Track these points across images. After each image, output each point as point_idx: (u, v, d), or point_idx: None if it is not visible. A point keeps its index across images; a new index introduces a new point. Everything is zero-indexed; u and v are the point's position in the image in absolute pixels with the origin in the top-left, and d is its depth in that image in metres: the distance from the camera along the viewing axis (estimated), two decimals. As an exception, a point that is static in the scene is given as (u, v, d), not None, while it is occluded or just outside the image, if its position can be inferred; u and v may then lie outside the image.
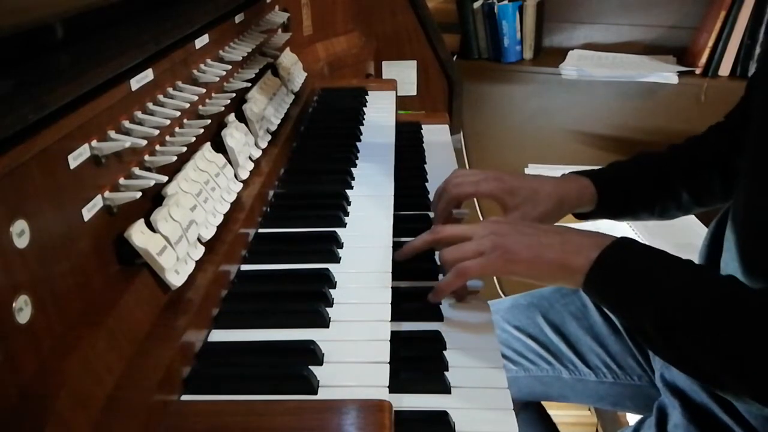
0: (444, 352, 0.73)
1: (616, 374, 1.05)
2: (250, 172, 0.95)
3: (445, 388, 0.68)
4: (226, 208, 0.82)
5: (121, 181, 0.66)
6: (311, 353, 0.67)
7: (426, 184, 1.16)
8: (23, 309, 0.49)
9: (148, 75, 0.72)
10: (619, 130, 2.17)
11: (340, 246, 0.88)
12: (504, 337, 1.10)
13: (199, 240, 0.74)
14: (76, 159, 0.58)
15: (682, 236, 1.76)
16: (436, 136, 1.41)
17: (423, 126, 1.44)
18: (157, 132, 0.70)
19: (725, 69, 2.04)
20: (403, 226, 0.96)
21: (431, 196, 1.08)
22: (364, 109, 1.42)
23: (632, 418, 1.30)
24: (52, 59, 0.63)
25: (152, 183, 0.67)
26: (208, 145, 0.85)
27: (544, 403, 1.20)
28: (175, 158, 0.73)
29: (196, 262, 0.71)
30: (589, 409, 1.85)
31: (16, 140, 0.50)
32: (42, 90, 0.53)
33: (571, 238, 0.75)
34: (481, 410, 0.66)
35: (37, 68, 0.59)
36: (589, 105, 2.18)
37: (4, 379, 0.47)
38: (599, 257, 0.71)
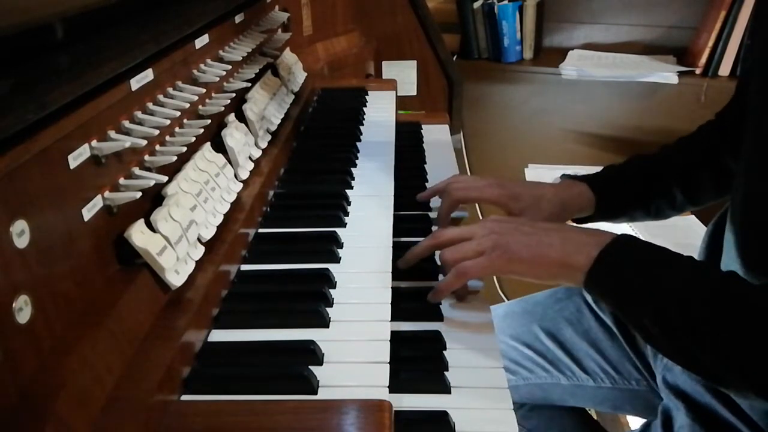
0: (444, 352, 0.73)
1: (613, 379, 1.05)
2: (250, 172, 0.95)
3: (445, 388, 0.68)
4: (226, 208, 0.82)
5: (121, 181, 0.66)
6: (311, 353, 0.67)
7: (426, 184, 1.16)
8: (23, 309, 0.49)
9: (148, 75, 0.72)
10: (619, 130, 2.17)
11: (340, 246, 0.88)
12: (501, 347, 1.09)
13: (199, 240, 0.74)
14: (76, 159, 0.58)
15: (682, 236, 1.76)
16: (436, 136, 1.41)
17: (423, 126, 1.44)
18: (157, 132, 0.70)
19: (725, 69, 2.04)
20: (403, 226, 0.96)
21: (431, 197, 1.09)
22: (364, 109, 1.42)
23: (632, 419, 1.30)
24: (52, 59, 0.62)
25: (152, 183, 0.67)
26: (208, 145, 0.85)
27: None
28: (175, 158, 0.73)
29: (196, 262, 0.71)
30: (589, 410, 1.84)
31: (16, 140, 0.50)
32: (42, 90, 0.53)
33: (571, 236, 0.75)
34: (481, 410, 0.66)
35: (37, 68, 0.59)
36: (589, 105, 2.18)
37: (4, 379, 0.47)
38: (600, 255, 0.71)
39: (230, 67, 0.96)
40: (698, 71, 2.06)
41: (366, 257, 0.86)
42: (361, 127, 1.31)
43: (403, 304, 0.79)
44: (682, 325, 0.65)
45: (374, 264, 0.84)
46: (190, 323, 0.66)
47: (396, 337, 0.71)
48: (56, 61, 0.62)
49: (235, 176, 0.89)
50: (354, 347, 0.69)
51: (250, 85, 1.06)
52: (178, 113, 0.76)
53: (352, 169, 1.11)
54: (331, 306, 0.76)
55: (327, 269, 0.81)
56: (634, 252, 0.72)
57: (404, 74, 1.98)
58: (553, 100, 2.20)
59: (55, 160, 0.56)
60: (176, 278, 0.67)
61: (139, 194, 0.65)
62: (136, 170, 0.68)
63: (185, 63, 0.85)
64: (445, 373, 0.70)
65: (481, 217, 2.15)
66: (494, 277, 2.15)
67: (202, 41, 0.90)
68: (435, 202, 1.06)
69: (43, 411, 0.48)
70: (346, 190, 1.03)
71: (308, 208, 0.99)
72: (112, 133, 0.65)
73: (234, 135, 0.92)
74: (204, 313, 0.70)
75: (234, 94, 0.96)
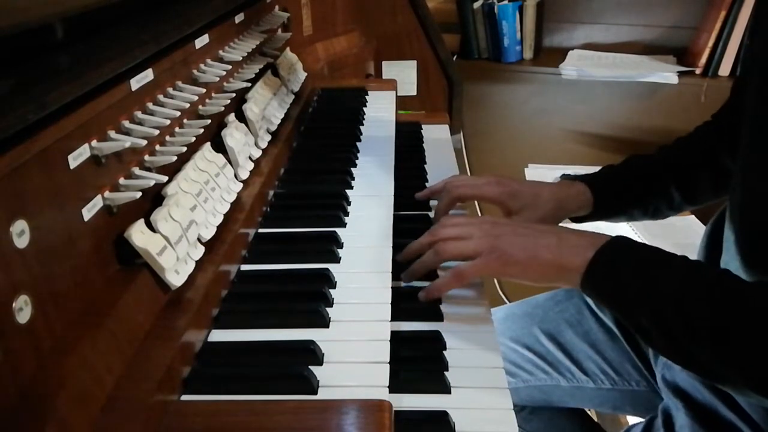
0: (444, 352, 0.73)
1: (613, 380, 1.05)
2: (250, 172, 0.95)
3: (445, 388, 0.68)
4: (226, 208, 0.82)
5: (121, 181, 0.66)
6: (311, 353, 0.67)
7: (426, 184, 1.16)
8: (23, 309, 0.49)
9: (148, 75, 0.72)
10: (619, 130, 2.17)
11: (340, 246, 0.88)
12: (500, 350, 1.09)
13: (199, 240, 0.74)
14: (76, 159, 0.58)
15: (682, 236, 1.76)
16: (436, 136, 1.41)
17: (423, 126, 1.44)
18: (157, 132, 0.70)
19: (725, 69, 2.04)
20: (403, 226, 0.96)
21: (431, 197, 1.09)
22: (364, 109, 1.42)
23: (633, 420, 1.30)
24: (52, 59, 0.62)
25: (152, 183, 0.67)
26: (208, 145, 0.85)
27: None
28: (175, 158, 0.73)
29: (196, 262, 0.71)
30: (589, 410, 1.84)
31: (16, 140, 0.50)
32: (42, 90, 0.53)
33: (567, 238, 0.75)
34: (481, 410, 0.66)
35: (37, 68, 0.59)
36: (589, 105, 2.18)
37: (4, 379, 0.47)
38: (595, 256, 0.72)
39: (230, 67, 0.96)
40: (698, 71, 2.06)
41: (366, 257, 0.86)
42: (361, 127, 1.31)
43: (403, 304, 0.79)
44: (679, 324, 0.65)
45: (374, 264, 0.84)
46: (190, 323, 0.66)
47: (396, 337, 0.71)
48: (56, 61, 0.62)
49: (235, 176, 0.89)
50: (354, 347, 0.69)
51: (250, 85, 1.06)
52: (178, 113, 0.76)
53: (352, 169, 1.11)
54: (331, 306, 0.76)
55: (327, 269, 0.81)
56: (630, 253, 0.72)
57: (404, 74, 1.98)
58: (553, 100, 2.20)
59: (55, 160, 0.56)
60: (176, 278, 0.67)
61: (139, 194, 0.65)
62: (136, 170, 0.68)
63: (185, 63, 0.85)
64: (445, 373, 0.70)
65: (479, 213, 2.15)
66: (495, 279, 2.15)
67: (202, 41, 0.90)
68: (435, 202, 1.06)
69: (43, 411, 0.48)
70: (346, 190, 1.03)
71: (308, 208, 0.99)
72: (112, 133, 0.65)
73: (234, 135, 0.92)
74: (204, 313, 0.70)
75: (234, 94, 0.96)
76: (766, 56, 0.76)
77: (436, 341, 0.75)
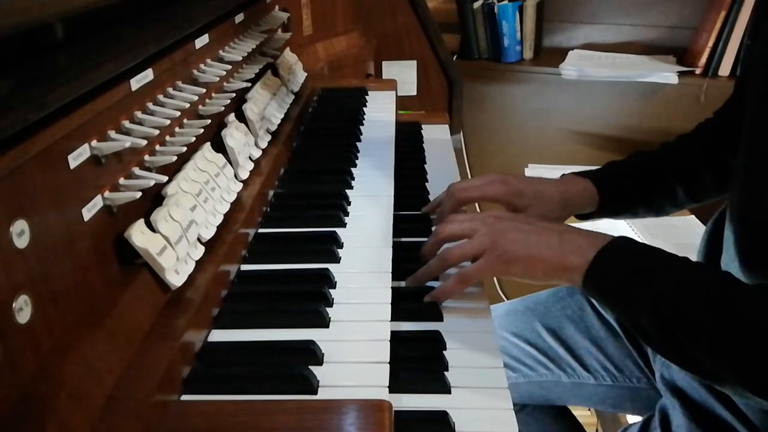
0: (444, 352, 0.73)
1: (614, 377, 1.05)
2: (250, 172, 0.95)
3: (445, 388, 0.68)
4: (226, 208, 0.82)
5: (121, 181, 0.66)
6: (311, 353, 0.67)
7: (426, 184, 1.16)
8: (23, 309, 0.49)
9: (148, 75, 0.72)
10: (619, 130, 2.17)
11: (340, 246, 0.88)
12: (502, 344, 1.09)
13: (199, 240, 0.74)
14: (76, 159, 0.58)
15: (682, 236, 1.76)
16: (436, 136, 1.41)
17: (423, 126, 1.44)
18: (157, 132, 0.70)
19: (725, 69, 2.04)
20: (403, 226, 0.96)
21: (431, 197, 1.09)
22: (364, 109, 1.42)
23: (632, 419, 1.30)
24: (52, 59, 0.62)
25: (152, 183, 0.67)
26: (208, 145, 0.85)
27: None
28: (175, 158, 0.73)
29: (196, 262, 0.71)
30: (589, 410, 1.84)
31: (16, 140, 0.50)
32: (42, 90, 0.53)
33: (569, 237, 0.75)
34: (481, 410, 0.66)
35: (37, 68, 0.59)
36: (589, 105, 2.18)
37: (4, 379, 0.47)
38: (596, 256, 0.72)
39: (230, 67, 0.96)
40: (698, 71, 2.06)
41: (366, 257, 0.86)
42: (361, 127, 1.31)
43: (403, 304, 0.79)
44: (679, 326, 0.65)
45: (374, 264, 0.84)
46: (190, 323, 0.66)
47: (396, 337, 0.71)
48: (56, 61, 0.62)
49: (235, 176, 0.89)
50: (354, 347, 0.69)
51: (250, 85, 1.06)
52: (178, 113, 0.76)
53: (352, 169, 1.11)
54: (331, 306, 0.76)
55: (327, 269, 0.81)
56: (631, 254, 0.72)
57: (404, 74, 1.98)
58: (553, 100, 2.20)
59: (55, 160, 0.56)
60: (176, 278, 0.67)
61: (139, 194, 0.65)
62: (136, 170, 0.68)
63: (185, 63, 0.85)
64: (445, 373, 0.70)
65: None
66: (494, 278, 2.15)
67: (202, 41, 0.90)
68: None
69: (43, 411, 0.48)
70: (346, 190, 1.03)
71: (308, 208, 0.99)
72: (112, 133, 0.65)
73: (234, 135, 0.92)
74: (204, 313, 0.70)
75: (234, 94, 0.96)
76: (767, 57, 0.76)
77: (436, 341, 0.75)
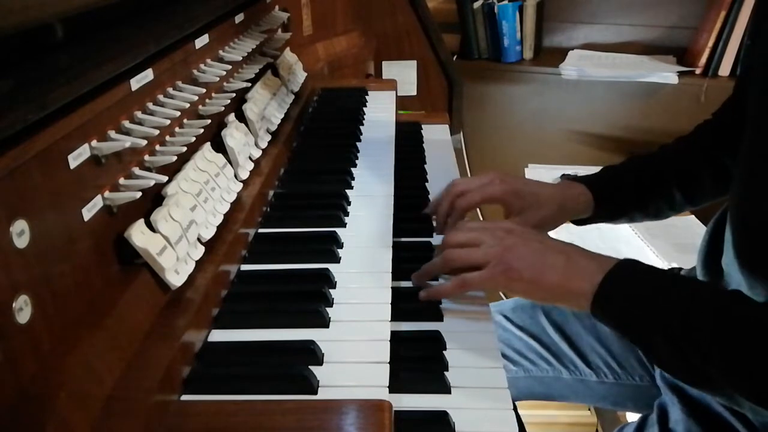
0: (444, 352, 0.73)
1: (617, 374, 1.05)
2: (250, 172, 0.95)
3: (445, 388, 0.68)
4: (226, 208, 0.82)
5: (121, 181, 0.66)
6: (311, 353, 0.67)
7: (426, 184, 1.16)
8: (23, 309, 0.49)
9: (148, 75, 0.72)
10: (619, 130, 2.17)
11: (340, 246, 0.88)
12: (506, 336, 1.10)
13: (199, 240, 0.74)
14: (76, 159, 0.58)
15: (682, 236, 1.76)
16: (436, 136, 1.41)
17: (423, 126, 1.44)
18: (157, 132, 0.70)
19: (725, 69, 2.04)
20: (403, 226, 0.96)
21: (431, 197, 1.09)
22: (364, 109, 1.42)
23: (632, 418, 1.30)
24: (52, 59, 0.62)
25: (152, 183, 0.67)
26: (208, 145, 0.85)
27: (538, 403, 1.20)
28: (175, 158, 0.73)
29: (196, 262, 0.71)
30: (589, 409, 1.85)
31: (16, 140, 0.50)
32: (42, 90, 0.53)
33: (576, 260, 0.74)
34: (481, 410, 0.66)
35: (37, 68, 0.59)
36: (589, 105, 2.18)
37: (4, 379, 0.47)
38: (603, 282, 0.71)
39: (230, 67, 0.96)
40: (698, 71, 2.06)
41: (366, 257, 0.86)
42: (361, 127, 1.31)
43: (403, 304, 0.79)
44: (691, 347, 0.65)
45: (374, 264, 0.84)
46: (190, 323, 0.66)
47: (396, 337, 0.71)
48: (56, 61, 0.62)
49: (235, 176, 0.89)
50: (354, 347, 0.69)
51: (250, 85, 1.06)
52: (178, 113, 0.76)
53: (352, 169, 1.11)
54: (331, 306, 0.76)
55: (327, 269, 0.81)
56: (638, 278, 0.71)
57: (404, 74, 1.98)
58: (553, 100, 2.20)
59: (55, 160, 0.56)
60: (176, 278, 0.67)
61: (139, 194, 0.65)
62: (136, 170, 0.68)
63: (185, 63, 0.85)
64: (445, 373, 0.70)
65: (479, 211, 2.15)
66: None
67: (202, 41, 0.90)
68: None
69: (43, 411, 0.48)
70: (346, 190, 1.03)
71: (308, 208, 0.99)
72: (112, 133, 0.65)
73: (234, 135, 0.92)
74: (204, 313, 0.70)
75: (234, 94, 0.96)
76: None
77: (436, 341, 0.75)
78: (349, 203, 1.00)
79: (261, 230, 0.93)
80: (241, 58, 1.02)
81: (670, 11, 2.15)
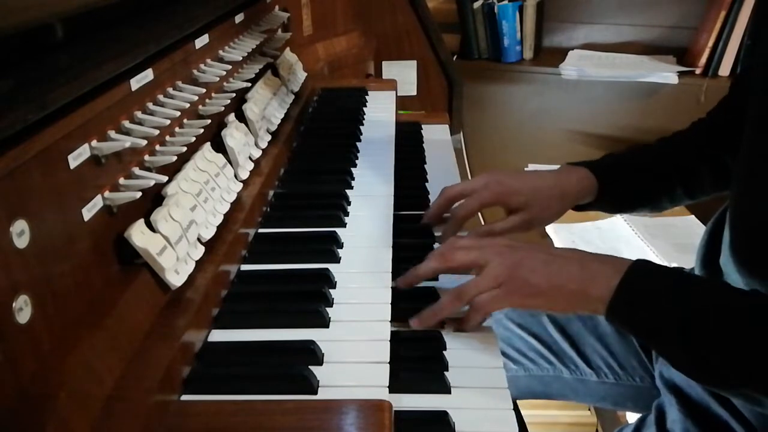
0: (444, 352, 0.73)
1: (618, 375, 1.05)
2: (250, 172, 0.95)
3: (445, 388, 0.68)
4: (226, 208, 0.82)
5: (121, 181, 0.66)
6: (311, 353, 0.67)
7: (426, 184, 1.16)
8: (23, 309, 0.49)
9: (148, 75, 0.72)
10: (619, 130, 2.17)
11: (340, 246, 0.88)
12: (506, 335, 1.09)
13: (199, 240, 0.74)
14: (76, 159, 0.58)
15: (682, 236, 1.76)
16: (436, 136, 1.41)
17: (423, 126, 1.44)
18: (157, 132, 0.70)
19: (725, 69, 2.04)
20: (403, 226, 0.96)
21: (431, 197, 1.09)
22: (364, 109, 1.42)
23: (632, 418, 1.30)
24: (52, 59, 0.62)
25: (152, 183, 0.67)
26: (208, 145, 0.85)
27: (538, 403, 1.20)
28: (175, 158, 0.73)
29: (196, 262, 0.71)
30: (589, 409, 1.85)
31: (16, 140, 0.50)
32: (42, 90, 0.53)
33: (589, 265, 0.73)
34: (481, 410, 0.66)
35: (37, 68, 0.59)
36: (589, 105, 2.18)
37: (4, 379, 0.47)
38: (620, 284, 0.69)
39: (230, 67, 0.96)
40: (698, 71, 2.06)
41: (366, 257, 0.86)
42: (361, 127, 1.31)
43: (403, 304, 0.79)
44: (709, 349, 0.65)
45: (374, 264, 0.84)
46: (190, 323, 0.66)
47: (396, 337, 0.71)
48: (56, 61, 0.62)
49: (235, 176, 0.89)
50: (354, 347, 0.69)
51: (250, 85, 1.06)
52: (178, 113, 0.76)
53: (352, 169, 1.11)
54: (331, 306, 0.76)
55: (327, 269, 0.81)
56: (654, 279, 0.70)
57: (404, 74, 1.98)
58: (553, 100, 2.20)
59: (55, 160, 0.56)
60: (176, 278, 0.67)
61: (139, 194, 0.65)
62: (136, 170, 0.68)
63: (185, 63, 0.85)
64: (445, 373, 0.70)
65: (482, 219, 2.15)
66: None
67: (202, 41, 0.90)
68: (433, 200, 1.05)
69: (43, 411, 0.48)
70: (346, 190, 1.03)
71: (308, 208, 0.99)
72: (112, 133, 0.65)
73: (234, 135, 0.92)
74: (204, 313, 0.70)
75: (234, 94, 0.96)
76: None
77: (436, 341, 0.75)
78: (349, 203, 1.00)
79: (261, 230, 0.93)
80: (241, 58, 1.02)
81: (670, 11, 2.15)
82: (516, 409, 1.15)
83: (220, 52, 0.99)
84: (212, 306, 0.73)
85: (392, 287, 0.80)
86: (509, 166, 2.20)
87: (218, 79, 0.90)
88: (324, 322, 0.73)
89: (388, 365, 0.66)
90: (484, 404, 0.67)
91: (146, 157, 0.71)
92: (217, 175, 0.83)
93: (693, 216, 1.85)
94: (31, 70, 0.58)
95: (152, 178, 0.68)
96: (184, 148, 0.75)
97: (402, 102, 1.78)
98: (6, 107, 0.49)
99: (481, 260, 0.76)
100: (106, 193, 0.63)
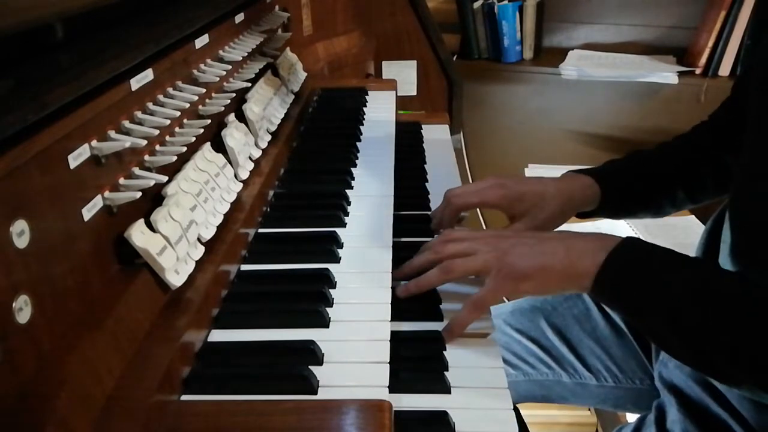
0: (444, 352, 0.73)
1: (617, 378, 1.05)
2: (250, 172, 0.95)
3: (445, 388, 0.68)
4: (226, 208, 0.82)
5: (121, 181, 0.66)
6: (311, 353, 0.67)
7: (426, 184, 1.16)
8: (23, 309, 0.49)
9: (148, 75, 0.72)
10: (619, 130, 2.17)
11: (340, 246, 0.88)
12: (505, 340, 1.09)
13: (199, 240, 0.74)
14: (76, 159, 0.58)
15: (682, 236, 1.76)
16: (436, 136, 1.41)
17: (423, 126, 1.44)
18: (157, 132, 0.70)
19: (725, 69, 2.04)
20: (403, 226, 0.96)
21: (431, 197, 1.09)
22: (364, 109, 1.42)
23: (632, 417, 1.30)
24: (52, 59, 0.62)
25: (152, 183, 0.67)
26: (208, 145, 0.85)
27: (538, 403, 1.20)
28: (175, 158, 0.73)
29: (196, 262, 0.71)
30: (589, 410, 1.85)
31: (16, 140, 0.50)
32: (42, 90, 0.53)
33: (574, 244, 0.74)
34: (481, 410, 0.66)
35: (37, 68, 0.59)
36: (589, 105, 2.18)
37: (4, 379, 0.47)
38: (607, 260, 0.70)
39: (230, 67, 0.96)
40: (698, 71, 2.06)
41: (366, 257, 0.86)
42: (361, 127, 1.31)
43: (403, 304, 0.79)
44: (696, 327, 0.65)
45: (374, 264, 0.84)
46: (190, 323, 0.66)
47: (396, 337, 0.71)
48: (56, 61, 0.62)
49: (235, 176, 0.90)
50: (354, 347, 0.69)
51: (250, 85, 1.06)
52: (178, 113, 0.76)
53: (352, 169, 1.11)
54: (331, 306, 0.76)
55: (327, 269, 0.81)
56: (642, 255, 0.71)
57: (404, 74, 1.98)
58: (553, 100, 2.20)
59: (55, 160, 0.56)
60: (176, 278, 0.67)
61: (139, 194, 0.65)
62: (136, 170, 0.68)
63: (185, 63, 0.85)
64: (445, 373, 0.70)
65: (482, 219, 2.15)
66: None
67: (202, 41, 0.90)
68: (434, 201, 1.06)
69: (43, 411, 0.47)
70: (346, 190, 1.03)
71: (308, 208, 0.99)
72: (112, 133, 0.65)
73: (234, 135, 0.92)
74: (204, 313, 0.70)
75: (234, 94, 0.96)
76: None
77: (436, 341, 0.75)
78: (349, 203, 1.00)
79: (261, 230, 0.93)
80: (241, 58, 1.02)
81: (670, 11, 2.15)
82: (516, 409, 1.16)
83: (220, 52, 0.99)
84: (212, 306, 0.73)
85: (392, 287, 0.80)
86: (509, 165, 2.20)
87: (218, 79, 0.90)
88: (324, 322, 0.73)
89: (388, 365, 0.66)
90: (484, 404, 0.67)
91: (146, 157, 0.71)
92: (217, 175, 0.83)
93: (693, 216, 1.85)
94: (31, 70, 0.58)
95: (152, 178, 0.68)
96: (184, 148, 0.75)
97: (402, 102, 1.78)
98: (6, 107, 0.49)
99: (471, 250, 0.77)
100: (106, 193, 0.63)
